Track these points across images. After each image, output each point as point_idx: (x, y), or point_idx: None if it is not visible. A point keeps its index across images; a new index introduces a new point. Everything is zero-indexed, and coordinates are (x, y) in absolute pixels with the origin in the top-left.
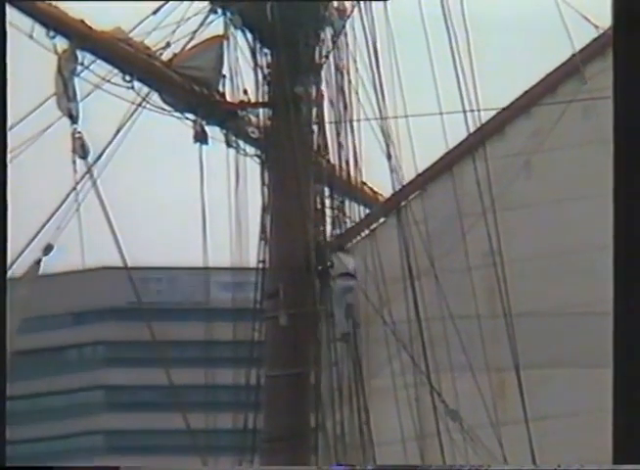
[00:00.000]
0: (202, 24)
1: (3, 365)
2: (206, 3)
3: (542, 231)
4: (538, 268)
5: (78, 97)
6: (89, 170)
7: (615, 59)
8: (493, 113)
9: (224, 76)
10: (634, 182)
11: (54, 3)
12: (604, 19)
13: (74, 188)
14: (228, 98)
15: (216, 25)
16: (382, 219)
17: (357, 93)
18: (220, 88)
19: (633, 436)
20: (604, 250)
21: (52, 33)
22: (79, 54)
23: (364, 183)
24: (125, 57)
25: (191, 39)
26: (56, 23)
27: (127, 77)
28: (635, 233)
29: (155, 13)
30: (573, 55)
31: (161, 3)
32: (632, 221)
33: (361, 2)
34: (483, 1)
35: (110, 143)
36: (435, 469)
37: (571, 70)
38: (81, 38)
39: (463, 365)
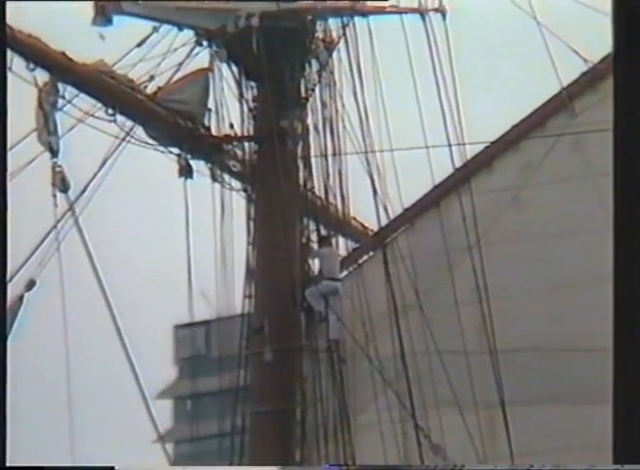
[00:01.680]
0: (187, 57)
1: (3, 366)
2: (192, 35)
3: (531, 266)
4: (528, 304)
5: (59, 131)
6: (70, 207)
7: (615, 89)
8: (481, 146)
9: (210, 110)
10: (634, 214)
11: (34, 34)
12: (593, 52)
13: (55, 226)
14: (214, 132)
15: (202, 58)
16: (369, 254)
17: (343, 127)
18: (206, 122)
19: (633, 436)
20: (594, 285)
21: (32, 66)
22: (60, 87)
23: (354, 218)
24: (108, 90)
25: (176, 72)
26: (36, 55)
27: (110, 111)
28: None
29: (139, 45)
30: (563, 89)
31: (146, 35)
32: (633, 254)
33: (347, 33)
34: (470, 34)
35: (92, 178)
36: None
37: (560, 103)
38: (62, 71)
39: (450, 401)
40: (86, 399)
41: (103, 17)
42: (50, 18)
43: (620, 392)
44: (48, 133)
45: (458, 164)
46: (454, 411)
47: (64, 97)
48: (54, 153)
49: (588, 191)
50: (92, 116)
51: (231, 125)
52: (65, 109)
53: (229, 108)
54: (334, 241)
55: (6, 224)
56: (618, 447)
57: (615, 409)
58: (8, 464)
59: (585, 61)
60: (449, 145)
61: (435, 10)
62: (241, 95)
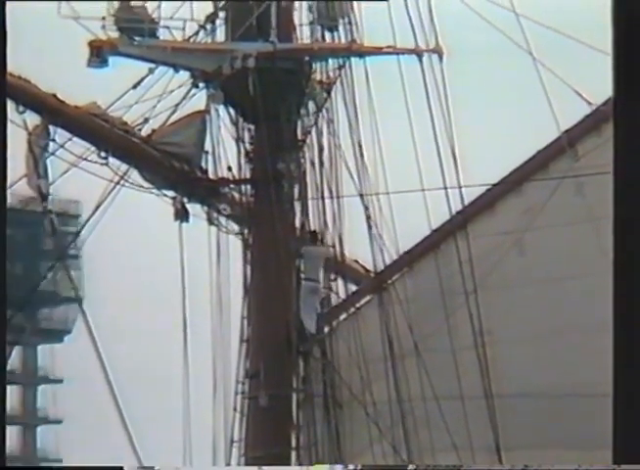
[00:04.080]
0: (184, 99)
1: (3, 368)
2: (188, 77)
3: (534, 310)
4: (529, 348)
5: (49, 174)
6: (60, 251)
7: (615, 131)
8: (482, 189)
9: (207, 152)
10: (634, 259)
11: (24, 76)
12: (597, 95)
13: (45, 276)
14: (211, 174)
15: (198, 99)
16: (367, 298)
17: (339, 169)
18: (203, 164)
19: (633, 436)
20: (596, 330)
21: (22, 108)
22: (51, 130)
23: (356, 261)
24: (100, 133)
25: (172, 113)
26: (26, 98)
27: (103, 154)
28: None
29: (135, 87)
30: (563, 132)
31: (142, 77)
32: (632, 298)
33: (344, 74)
34: (470, 75)
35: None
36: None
37: (563, 146)
38: (53, 113)
39: (447, 446)
40: None
41: (98, 58)
42: (43, 58)
43: (620, 392)
44: (38, 177)
45: (455, 205)
46: (452, 457)
47: (54, 140)
48: (43, 197)
49: (591, 235)
50: (85, 159)
51: (229, 168)
52: (56, 152)
53: (226, 150)
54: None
55: (5, 225)
56: (618, 448)
57: (615, 409)
58: None
59: (589, 103)
60: (445, 188)
61: (432, 51)
62: (238, 137)
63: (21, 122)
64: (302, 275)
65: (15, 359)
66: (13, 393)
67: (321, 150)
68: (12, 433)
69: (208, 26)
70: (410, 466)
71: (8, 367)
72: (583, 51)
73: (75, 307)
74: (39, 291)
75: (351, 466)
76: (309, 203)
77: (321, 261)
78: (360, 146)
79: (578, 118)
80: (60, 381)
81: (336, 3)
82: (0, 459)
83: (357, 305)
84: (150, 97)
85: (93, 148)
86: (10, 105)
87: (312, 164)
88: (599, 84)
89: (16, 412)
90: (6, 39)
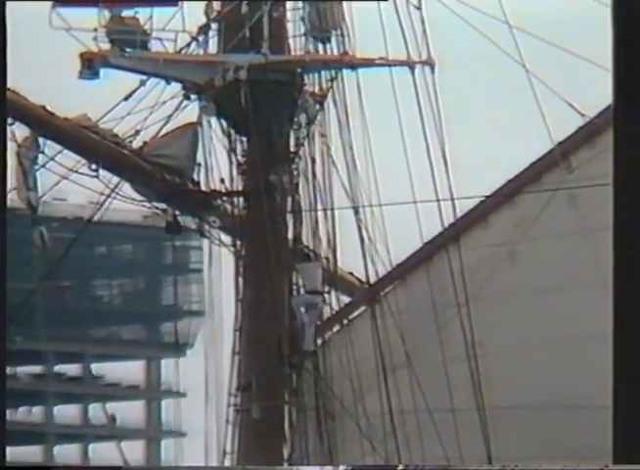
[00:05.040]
0: (175, 110)
1: (3, 366)
2: (180, 89)
3: (527, 322)
4: (523, 360)
5: (39, 187)
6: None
7: (615, 142)
8: (475, 201)
9: (199, 165)
10: (634, 274)
11: (13, 88)
12: (590, 107)
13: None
14: (203, 186)
15: (190, 111)
16: (360, 310)
17: (332, 181)
18: (195, 176)
19: (633, 436)
20: (590, 342)
21: (10, 120)
22: (41, 142)
23: (351, 273)
24: (90, 145)
25: (164, 126)
26: (14, 110)
27: (93, 166)
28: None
29: (126, 99)
30: (557, 144)
31: (133, 89)
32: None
33: (335, 86)
34: (464, 88)
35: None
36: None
37: (556, 158)
38: (42, 126)
39: (440, 458)
40: None
41: (89, 69)
42: (33, 70)
43: (620, 392)
44: (27, 189)
45: (447, 218)
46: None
47: (43, 152)
48: (33, 210)
49: (584, 247)
50: (75, 171)
51: (222, 180)
52: (45, 164)
53: (219, 162)
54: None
55: (5, 226)
56: (619, 448)
57: (615, 410)
58: None
59: (582, 115)
60: (438, 200)
61: (424, 63)
62: (230, 149)
63: (9, 135)
64: (303, 289)
65: (138, 374)
66: (137, 407)
67: (313, 162)
68: (136, 447)
69: (201, 38)
70: (400, 466)
71: (132, 383)
72: (576, 63)
73: (197, 321)
74: (162, 305)
75: (342, 467)
76: (302, 215)
77: (318, 273)
78: (352, 158)
79: (572, 130)
80: (183, 395)
81: (328, 14)
82: (0, 459)
83: (350, 318)
84: (141, 109)
85: (83, 160)
86: None
87: (305, 176)
88: (592, 96)
89: (140, 426)
90: (6, 39)
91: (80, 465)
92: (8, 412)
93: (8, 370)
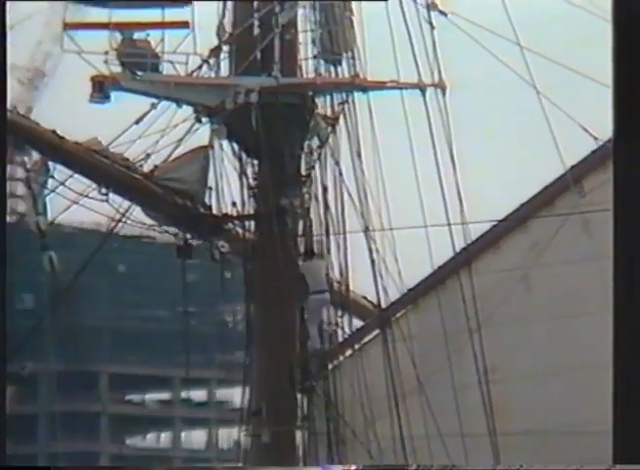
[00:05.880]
0: (187, 133)
1: (3, 366)
2: (191, 112)
3: (540, 348)
4: (535, 386)
5: (48, 211)
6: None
7: (615, 170)
8: (487, 225)
9: (210, 188)
10: (634, 297)
11: (22, 112)
12: (603, 130)
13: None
14: (215, 210)
15: (201, 134)
16: (373, 334)
17: (343, 205)
18: (206, 200)
19: (633, 436)
20: (602, 368)
21: (20, 144)
22: (51, 166)
23: (364, 297)
24: (101, 169)
25: (175, 149)
26: (24, 134)
27: (103, 190)
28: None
29: (137, 122)
30: (569, 169)
31: (144, 112)
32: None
33: (345, 110)
34: (476, 111)
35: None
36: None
37: (569, 182)
38: (52, 150)
39: None
40: None
41: (100, 93)
42: (44, 93)
43: (620, 391)
44: (36, 213)
45: (459, 242)
46: None
47: (53, 176)
48: (42, 234)
49: (597, 272)
50: (85, 196)
51: (233, 203)
52: (55, 189)
53: (230, 185)
54: None
55: (5, 227)
56: (619, 448)
57: (614, 409)
58: None
59: (595, 139)
60: (449, 224)
61: (435, 85)
62: (241, 172)
63: (18, 159)
64: (309, 290)
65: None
66: None
67: (325, 185)
68: None
69: (212, 60)
70: (413, 466)
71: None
72: (589, 86)
73: None
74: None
75: (353, 467)
76: (313, 239)
77: (322, 271)
78: (364, 181)
79: (585, 154)
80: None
81: (340, 36)
82: (0, 459)
83: (361, 343)
84: (152, 132)
85: (94, 185)
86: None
87: (316, 199)
88: (605, 119)
89: None
90: (6, 39)
91: (81, 465)
92: (138, 438)
93: (136, 397)
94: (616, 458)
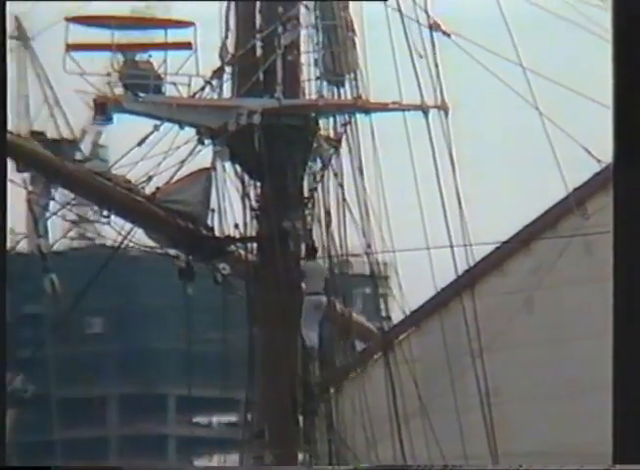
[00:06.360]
0: (189, 155)
1: (3, 366)
2: (193, 133)
3: (543, 370)
4: (539, 408)
5: (50, 234)
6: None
7: (615, 193)
8: (490, 247)
9: (212, 210)
10: (634, 321)
11: (23, 134)
12: (606, 153)
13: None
14: (217, 232)
15: (204, 156)
16: (374, 357)
17: (345, 226)
18: (209, 222)
19: (633, 436)
20: (605, 391)
21: (22, 167)
22: (52, 189)
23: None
24: (103, 191)
25: (177, 171)
26: (26, 157)
27: (105, 213)
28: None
29: (139, 144)
30: (573, 191)
31: (147, 134)
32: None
33: (348, 131)
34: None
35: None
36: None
37: (572, 204)
38: (54, 172)
39: None
40: None
41: (103, 114)
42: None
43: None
44: (38, 236)
45: (462, 263)
46: None
47: (54, 199)
48: (44, 256)
49: (600, 295)
50: (87, 220)
51: (236, 225)
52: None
53: (233, 207)
54: None
55: (5, 226)
56: (619, 448)
57: (614, 409)
58: None
59: (598, 161)
60: (451, 246)
61: (437, 107)
62: (244, 194)
63: (20, 181)
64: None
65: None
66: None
67: (327, 207)
68: None
69: (215, 82)
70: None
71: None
72: (592, 107)
73: None
74: None
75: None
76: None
77: (321, 275)
78: (366, 203)
79: (588, 176)
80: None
81: (342, 58)
82: (0, 459)
83: (363, 365)
84: (155, 154)
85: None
86: (9, 164)
87: (319, 221)
88: (608, 141)
89: None
90: (6, 39)
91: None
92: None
93: (203, 420)
94: (615, 458)
